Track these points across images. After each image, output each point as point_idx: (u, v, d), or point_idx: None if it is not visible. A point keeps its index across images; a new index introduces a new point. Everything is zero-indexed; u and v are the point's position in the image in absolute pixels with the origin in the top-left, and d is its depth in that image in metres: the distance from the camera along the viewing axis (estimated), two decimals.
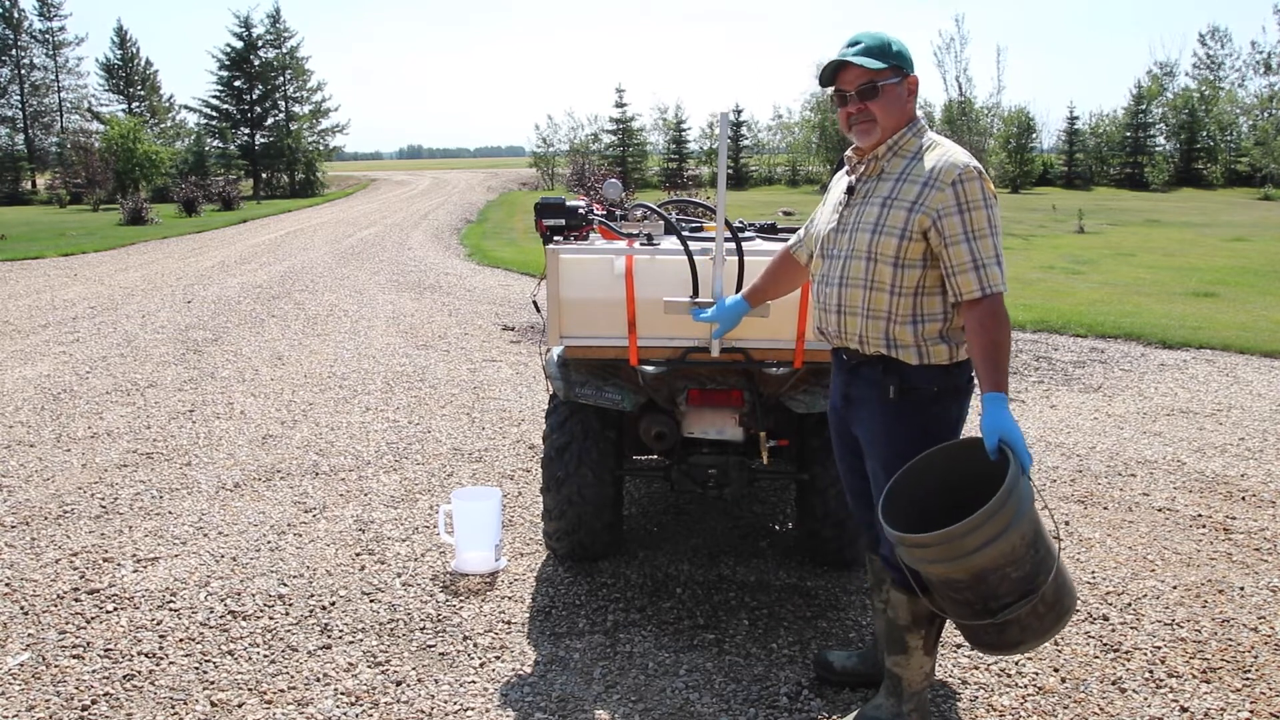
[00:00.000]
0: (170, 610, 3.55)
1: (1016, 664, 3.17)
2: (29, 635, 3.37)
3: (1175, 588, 3.74)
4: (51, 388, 7.00)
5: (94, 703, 2.96)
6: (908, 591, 2.60)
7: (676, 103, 64.74)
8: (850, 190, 2.67)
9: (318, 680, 3.08)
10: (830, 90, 2.64)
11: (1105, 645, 3.30)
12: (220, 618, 3.49)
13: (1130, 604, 3.60)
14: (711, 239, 3.34)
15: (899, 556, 2.45)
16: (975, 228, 2.45)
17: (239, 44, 50.79)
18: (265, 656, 3.23)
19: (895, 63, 2.54)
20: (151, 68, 55.08)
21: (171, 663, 3.19)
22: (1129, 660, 3.20)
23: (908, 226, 2.50)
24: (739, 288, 3.23)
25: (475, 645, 3.30)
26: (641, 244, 3.42)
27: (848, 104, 2.58)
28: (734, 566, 3.91)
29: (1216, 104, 49.08)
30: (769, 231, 3.94)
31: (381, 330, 9.28)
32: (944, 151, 2.53)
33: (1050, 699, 2.98)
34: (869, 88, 2.53)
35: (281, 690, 3.03)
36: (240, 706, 2.94)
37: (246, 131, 51.34)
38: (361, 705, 2.95)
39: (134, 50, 54.18)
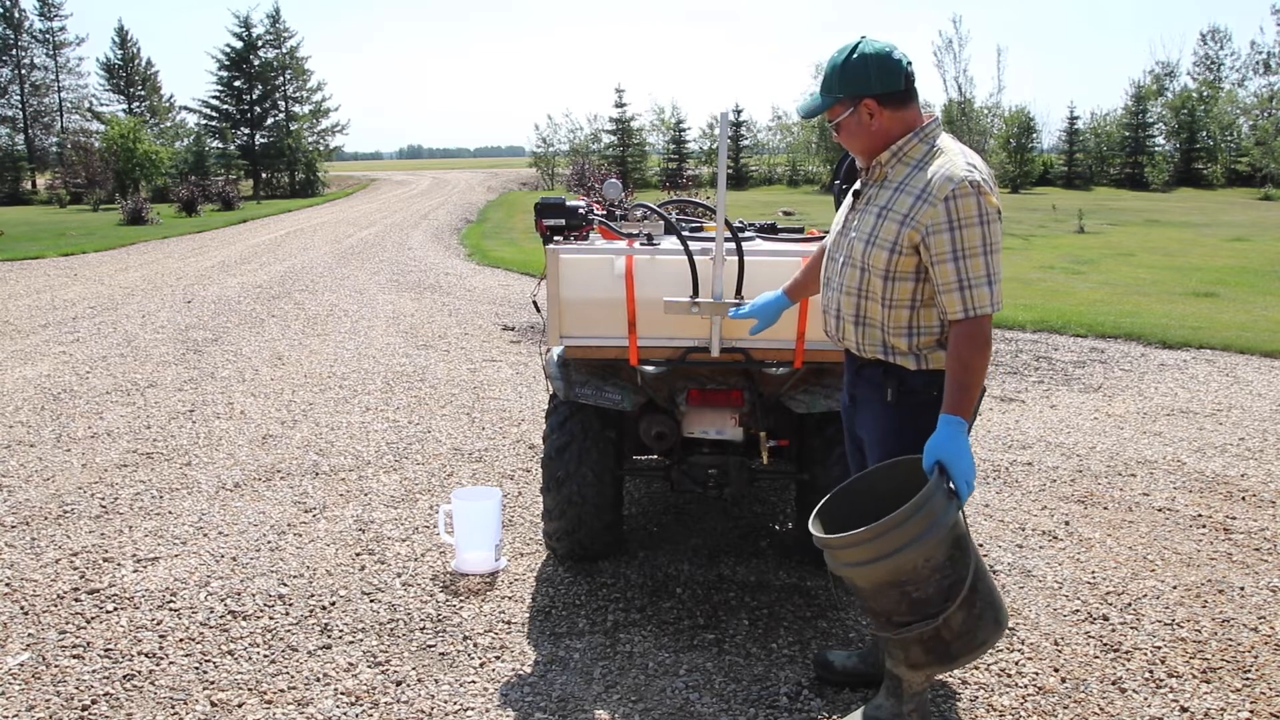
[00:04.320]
0: (170, 610, 3.55)
1: (1016, 664, 3.17)
2: (29, 635, 3.37)
3: (1175, 588, 3.74)
4: (51, 388, 7.00)
5: (94, 703, 2.96)
6: None
7: (673, 102, 64.63)
8: (857, 194, 2.66)
9: (318, 680, 3.08)
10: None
11: (1105, 645, 3.30)
12: (220, 618, 3.49)
13: (1130, 604, 3.60)
14: (711, 239, 3.34)
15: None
16: (965, 246, 2.37)
17: (239, 44, 50.84)
18: (265, 656, 3.23)
19: (840, 95, 2.49)
20: (152, 68, 55.19)
21: (171, 663, 3.19)
22: (1129, 660, 3.20)
23: (898, 240, 2.45)
24: (738, 288, 3.23)
25: (475, 645, 3.30)
26: (641, 244, 3.42)
27: None
28: (734, 566, 3.91)
29: (1216, 104, 49.06)
30: (769, 231, 3.94)
31: (381, 330, 9.28)
32: (945, 162, 2.44)
33: (1050, 699, 2.98)
34: (832, 125, 2.57)
35: (281, 690, 3.03)
36: (240, 706, 2.94)
37: (246, 131, 51.36)
38: (361, 705, 2.95)
39: (134, 50, 54.24)
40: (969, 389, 2.37)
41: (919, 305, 2.51)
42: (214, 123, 51.05)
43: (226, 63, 50.93)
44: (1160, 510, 4.55)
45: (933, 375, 2.55)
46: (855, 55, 2.48)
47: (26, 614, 3.52)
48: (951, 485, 2.33)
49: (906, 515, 2.22)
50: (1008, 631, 3.32)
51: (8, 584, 3.77)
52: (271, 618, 3.49)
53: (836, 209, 2.90)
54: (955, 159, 2.45)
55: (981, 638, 2.37)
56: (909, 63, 2.51)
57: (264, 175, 50.83)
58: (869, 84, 2.47)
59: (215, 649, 3.27)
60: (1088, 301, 10.80)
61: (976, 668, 3.15)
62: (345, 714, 2.90)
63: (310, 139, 51.96)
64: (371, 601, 3.62)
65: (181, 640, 3.33)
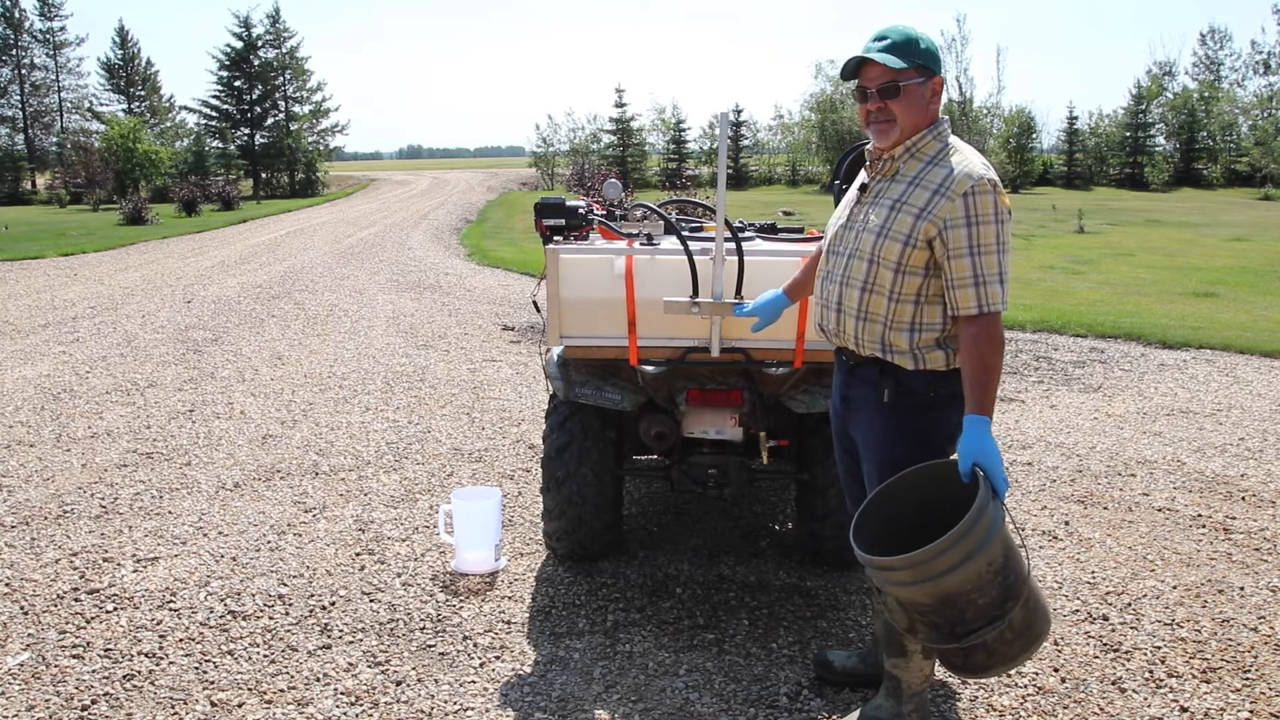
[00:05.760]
0: (170, 610, 3.55)
1: None
2: (29, 635, 3.37)
3: (1175, 588, 3.74)
4: (51, 388, 7.00)
5: (94, 703, 2.96)
6: None
7: (673, 102, 64.57)
8: (864, 188, 2.63)
9: (318, 680, 3.08)
10: (852, 84, 2.55)
11: (1105, 645, 3.30)
12: (220, 618, 3.49)
13: (1130, 604, 3.60)
14: (711, 239, 3.34)
15: (868, 577, 2.42)
16: (981, 242, 2.39)
17: (239, 44, 50.85)
18: (265, 656, 3.23)
19: (920, 62, 2.46)
20: (152, 68, 55.17)
21: (171, 663, 3.19)
22: (1129, 660, 3.20)
23: (913, 233, 2.44)
24: (738, 288, 3.23)
25: (475, 645, 3.30)
26: (641, 244, 3.42)
27: (868, 101, 2.50)
28: (734, 566, 3.91)
29: (1216, 104, 49.07)
30: (769, 231, 3.94)
31: (381, 330, 9.28)
32: (961, 159, 2.45)
33: (1050, 699, 2.98)
34: (890, 87, 2.46)
35: (281, 690, 3.03)
36: (240, 706, 2.94)
37: (246, 131, 51.38)
38: (361, 705, 2.95)
39: (135, 50, 54.24)
40: (989, 386, 2.39)
41: (924, 301, 2.50)
42: (214, 123, 51.08)
43: (226, 63, 50.94)
44: (1160, 510, 4.55)
45: (930, 376, 2.53)
46: (923, 38, 2.50)
47: (26, 614, 3.53)
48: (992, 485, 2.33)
49: (972, 522, 2.20)
50: None
51: (8, 584, 3.77)
52: (271, 618, 3.49)
53: (836, 207, 2.89)
54: (972, 157, 2.47)
55: (1038, 630, 2.38)
56: None
57: (264, 175, 50.84)
58: (939, 67, 2.52)
59: (215, 649, 3.27)
60: (1088, 301, 10.80)
61: None
62: (345, 714, 2.90)
63: (310, 139, 51.98)
64: (371, 601, 3.62)
65: (181, 640, 3.33)
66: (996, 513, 2.28)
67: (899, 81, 2.45)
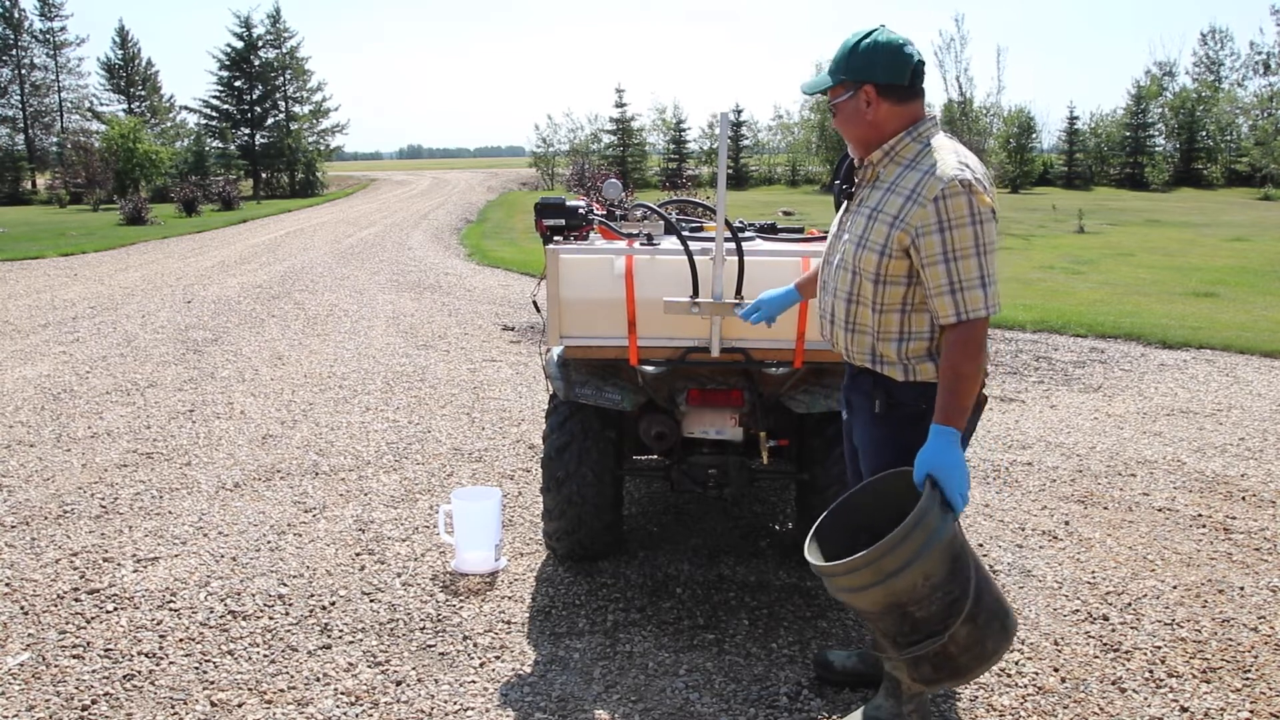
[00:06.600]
0: (170, 610, 3.55)
1: (1016, 664, 3.17)
2: (29, 635, 3.37)
3: (1175, 588, 3.74)
4: (51, 388, 7.00)
5: (94, 703, 2.96)
6: None
7: (674, 102, 64.58)
8: (851, 195, 2.62)
9: (318, 680, 3.08)
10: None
11: (1105, 645, 3.30)
12: (220, 618, 3.49)
13: (1130, 604, 3.60)
14: (711, 239, 3.34)
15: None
16: (956, 247, 2.29)
17: (239, 44, 50.88)
18: (265, 656, 3.23)
19: (843, 76, 2.43)
20: (153, 68, 55.15)
21: (171, 663, 3.19)
22: (1129, 660, 3.20)
23: (888, 243, 2.38)
24: (739, 288, 3.23)
25: (475, 645, 3.30)
26: (641, 244, 3.42)
27: None
28: (734, 566, 3.91)
29: (1216, 104, 49.07)
30: (769, 231, 3.94)
31: (381, 330, 9.28)
32: (936, 161, 2.36)
33: (1050, 699, 2.98)
34: (830, 107, 2.51)
35: (281, 690, 3.03)
36: (240, 706, 2.94)
37: (246, 131, 51.40)
38: (361, 705, 2.95)
39: (135, 50, 54.23)
40: (960, 396, 2.30)
41: (909, 310, 2.45)
42: (214, 123, 51.09)
43: (227, 63, 50.96)
44: (1160, 510, 4.55)
45: (920, 388, 2.48)
46: (868, 40, 2.44)
47: (26, 614, 3.53)
48: (945, 498, 2.28)
49: (902, 535, 2.16)
50: None
51: (8, 584, 3.77)
52: (271, 618, 3.49)
53: (836, 209, 2.89)
54: (947, 158, 2.37)
55: (991, 648, 2.33)
56: (919, 60, 2.45)
57: (264, 175, 50.85)
58: (873, 71, 2.42)
59: (215, 649, 3.27)
60: (1088, 301, 10.80)
61: None
62: (345, 714, 2.90)
63: (310, 139, 52.00)
64: (371, 601, 3.62)
65: (181, 640, 3.33)
66: (942, 526, 2.21)
67: (832, 101, 2.50)
